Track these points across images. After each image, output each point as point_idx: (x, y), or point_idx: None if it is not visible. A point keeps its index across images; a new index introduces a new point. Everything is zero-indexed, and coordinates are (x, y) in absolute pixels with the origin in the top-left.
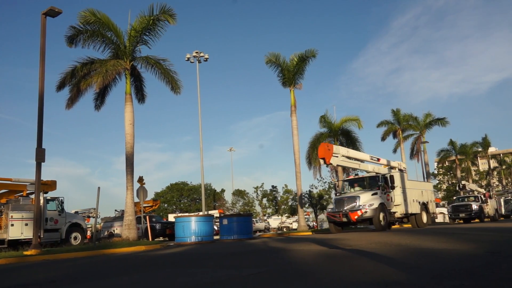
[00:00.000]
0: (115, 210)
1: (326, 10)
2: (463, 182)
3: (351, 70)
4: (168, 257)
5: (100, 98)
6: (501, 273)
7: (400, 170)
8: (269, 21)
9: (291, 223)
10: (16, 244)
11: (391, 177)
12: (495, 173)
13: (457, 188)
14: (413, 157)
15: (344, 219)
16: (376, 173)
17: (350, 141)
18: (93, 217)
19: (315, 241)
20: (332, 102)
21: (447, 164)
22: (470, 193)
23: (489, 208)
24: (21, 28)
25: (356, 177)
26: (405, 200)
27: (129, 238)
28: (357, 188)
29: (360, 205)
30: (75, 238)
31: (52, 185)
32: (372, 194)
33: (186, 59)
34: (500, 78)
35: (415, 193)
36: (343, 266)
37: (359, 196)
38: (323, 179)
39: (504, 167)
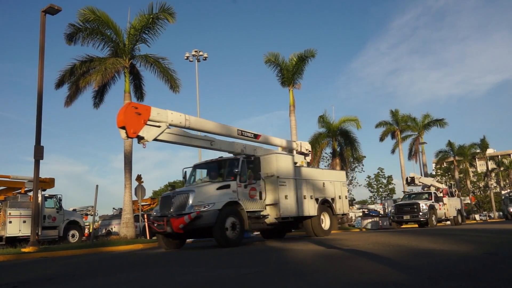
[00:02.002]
0: (113, 208)
1: (325, 10)
2: (411, 174)
3: (350, 70)
4: (165, 255)
5: (99, 96)
6: (498, 274)
7: (302, 153)
8: (269, 21)
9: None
10: (14, 241)
11: (256, 160)
12: (493, 174)
13: (404, 182)
14: (411, 158)
15: (169, 229)
16: (237, 154)
17: (349, 141)
18: (91, 215)
19: (312, 241)
20: (331, 102)
21: (445, 165)
22: (426, 189)
23: (446, 208)
24: (20, 25)
25: (210, 160)
26: (288, 196)
27: (127, 236)
28: (206, 178)
29: (193, 206)
30: (73, 235)
31: (50, 182)
32: (219, 188)
33: (185, 58)
34: (499, 79)
35: (312, 186)
36: (340, 266)
37: (193, 191)
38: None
39: (502, 168)
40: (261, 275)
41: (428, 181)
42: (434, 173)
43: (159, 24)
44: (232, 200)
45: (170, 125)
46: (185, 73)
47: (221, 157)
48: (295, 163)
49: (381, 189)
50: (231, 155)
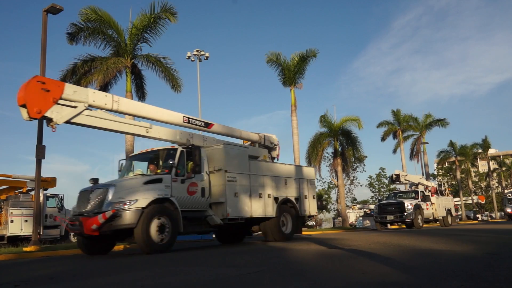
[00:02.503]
0: None
1: (327, 9)
2: (396, 171)
3: (351, 70)
4: (167, 255)
5: None
6: (500, 274)
7: (266, 147)
8: (270, 21)
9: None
10: (16, 241)
11: (196, 150)
12: (494, 174)
13: (389, 181)
14: (413, 158)
15: (81, 230)
16: (182, 144)
17: (350, 141)
18: None
19: (314, 240)
20: (332, 102)
21: (446, 165)
22: (414, 187)
23: (435, 208)
24: (22, 25)
25: (146, 151)
26: (238, 194)
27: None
28: (138, 171)
29: (111, 203)
30: (75, 235)
31: (52, 182)
32: (148, 182)
33: (187, 57)
34: (500, 79)
35: (270, 183)
36: (341, 266)
37: (113, 185)
38: (323, 178)
39: (504, 168)
40: (263, 274)
41: (415, 178)
42: (435, 173)
43: (160, 23)
44: (162, 196)
45: (91, 106)
46: (186, 72)
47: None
48: (256, 157)
49: (382, 189)
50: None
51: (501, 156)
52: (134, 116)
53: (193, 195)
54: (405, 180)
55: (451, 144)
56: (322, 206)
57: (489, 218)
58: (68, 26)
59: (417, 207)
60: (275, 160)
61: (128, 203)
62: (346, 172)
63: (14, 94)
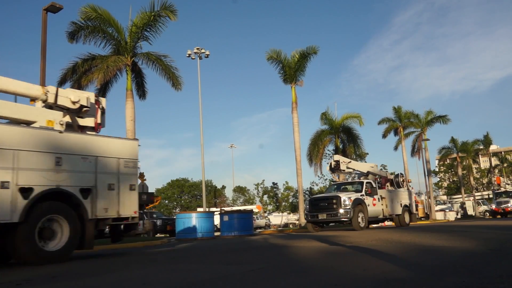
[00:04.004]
0: None
1: (327, 6)
2: (336, 157)
3: (352, 67)
4: (168, 253)
5: (101, 94)
6: (502, 270)
7: (62, 108)
8: (270, 18)
9: (297, 220)
10: None
11: None
12: (496, 171)
13: (328, 168)
14: (414, 154)
15: None
16: None
17: (352, 138)
18: None
19: (316, 238)
20: (333, 99)
21: (448, 161)
22: (363, 178)
23: (385, 204)
24: (22, 23)
25: None
26: None
27: (130, 234)
28: None
29: None
30: None
31: None
32: None
33: (187, 55)
34: (502, 75)
35: (30, 165)
36: (343, 262)
37: None
38: (324, 176)
39: (505, 165)
40: (265, 271)
41: (363, 166)
42: (437, 169)
43: (160, 21)
44: None
45: None
46: (187, 71)
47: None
48: (27, 122)
49: None
50: None
51: (502, 152)
52: None
53: None
54: (348, 168)
55: (453, 140)
56: (147, 200)
57: (488, 214)
58: (68, 24)
59: (358, 203)
60: (93, 133)
61: None
62: (406, 177)
63: None
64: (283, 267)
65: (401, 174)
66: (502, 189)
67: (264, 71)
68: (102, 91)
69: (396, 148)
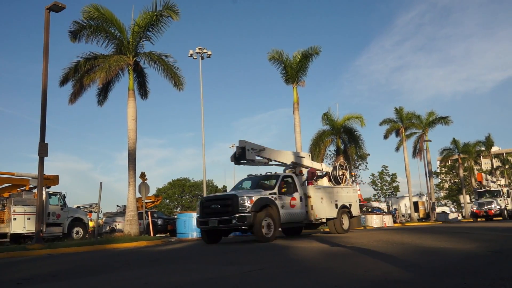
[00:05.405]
0: (117, 206)
1: (330, 7)
2: (241, 142)
3: (354, 68)
4: (169, 253)
5: (103, 94)
6: (503, 272)
7: None
8: (273, 18)
9: None
10: (19, 238)
11: None
12: (498, 172)
13: (232, 158)
14: (416, 155)
15: None
16: None
17: (353, 139)
18: (95, 212)
19: (317, 238)
20: (335, 100)
21: (449, 163)
22: (288, 171)
23: (311, 205)
24: (24, 22)
25: None
26: None
27: (131, 234)
28: None
29: None
30: (77, 232)
31: (54, 179)
32: None
33: (189, 55)
34: (504, 77)
35: None
36: (344, 263)
37: None
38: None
39: (507, 166)
40: (266, 272)
41: (286, 156)
42: (438, 171)
43: (163, 21)
44: None
45: None
46: (189, 71)
47: None
48: None
49: (385, 187)
50: None
51: (504, 154)
52: None
53: None
54: (258, 157)
55: (454, 142)
56: None
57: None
58: (71, 24)
59: (264, 204)
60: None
61: None
62: (349, 170)
63: (16, 92)
64: (283, 268)
65: (340, 166)
66: (487, 188)
67: (266, 71)
68: (104, 91)
69: (397, 149)
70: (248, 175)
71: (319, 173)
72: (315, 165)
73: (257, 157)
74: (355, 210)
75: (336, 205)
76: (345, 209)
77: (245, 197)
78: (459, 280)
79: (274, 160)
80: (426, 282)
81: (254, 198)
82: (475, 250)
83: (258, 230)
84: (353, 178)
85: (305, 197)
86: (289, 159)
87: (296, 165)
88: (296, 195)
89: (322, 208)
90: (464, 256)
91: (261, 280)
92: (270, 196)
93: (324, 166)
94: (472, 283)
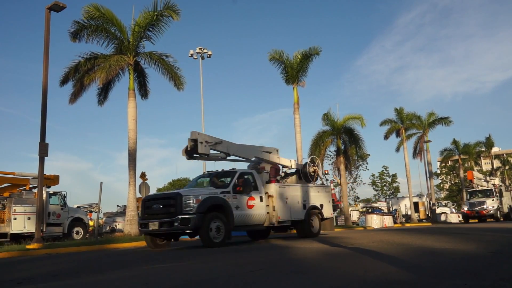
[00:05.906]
0: (117, 206)
1: (330, 7)
2: (193, 135)
3: (354, 68)
4: (169, 252)
5: (104, 93)
6: (503, 273)
7: None
8: (273, 19)
9: None
10: (19, 238)
11: None
12: (498, 173)
13: (183, 151)
14: (416, 156)
15: None
16: None
17: (353, 139)
18: (95, 212)
19: (316, 239)
20: (335, 100)
21: (450, 163)
22: (252, 167)
23: (272, 204)
24: (25, 22)
25: None
26: None
27: (131, 234)
28: None
29: None
30: (77, 232)
31: (55, 179)
32: None
33: (190, 55)
34: (504, 77)
35: None
36: (344, 264)
37: None
38: (325, 177)
39: (507, 167)
40: (266, 272)
41: (247, 151)
42: (438, 171)
43: (163, 21)
44: None
45: None
46: (189, 71)
47: None
48: None
49: (385, 188)
50: None
51: (504, 155)
52: None
53: None
54: (214, 151)
55: (455, 142)
56: None
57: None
58: (71, 23)
59: (213, 204)
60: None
61: None
62: (349, 171)
63: (16, 91)
64: (284, 268)
65: (311, 163)
66: (479, 187)
67: (266, 71)
68: (104, 90)
69: (398, 149)
70: (206, 172)
71: (289, 170)
72: (284, 161)
73: (212, 151)
74: (327, 212)
75: (305, 205)
76: (315, 210)
77: (190, 196)
78: (459, 281)
79: (234, 155)
80: (427, 283)
81: (200, 198)
82: (475, 251)
83: (204, 234)
84: (326, 176)
85: (266, 197)
86: (251, 154)
87: (260, 161)
88: (256, 194)
89: (286, 209)
90: (465, 257)
91: (261, 280)
92: (221, 195)
93: (294, 163)
94: (473, 284)
